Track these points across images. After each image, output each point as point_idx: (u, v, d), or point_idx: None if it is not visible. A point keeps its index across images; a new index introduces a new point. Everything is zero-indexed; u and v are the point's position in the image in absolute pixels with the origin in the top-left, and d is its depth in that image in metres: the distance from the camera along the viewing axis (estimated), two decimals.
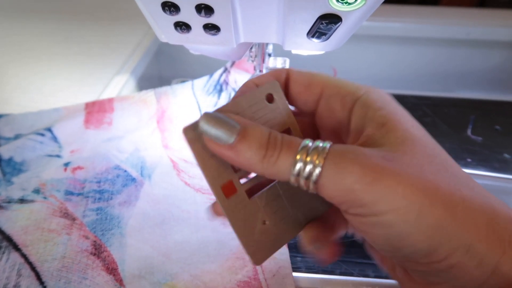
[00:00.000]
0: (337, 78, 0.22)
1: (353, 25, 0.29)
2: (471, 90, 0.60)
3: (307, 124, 0.24)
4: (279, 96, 0.21)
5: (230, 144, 0.18)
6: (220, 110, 0.19)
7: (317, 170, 0.17)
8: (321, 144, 0.17)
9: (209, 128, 0.18)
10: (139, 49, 0.57)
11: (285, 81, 0.22)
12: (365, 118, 0.19)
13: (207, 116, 0.18)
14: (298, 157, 0.17)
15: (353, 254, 0.32)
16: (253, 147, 0.18)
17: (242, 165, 0.18)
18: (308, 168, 0.17)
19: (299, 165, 0.17)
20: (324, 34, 0.30)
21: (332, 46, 0.32)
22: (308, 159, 0.17)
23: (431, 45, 0.61)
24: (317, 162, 0.17)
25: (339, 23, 0.28)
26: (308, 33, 0.30)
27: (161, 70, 0.63)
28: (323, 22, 0.28)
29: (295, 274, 0.28)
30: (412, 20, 0.59)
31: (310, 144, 0.17)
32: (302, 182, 0.17)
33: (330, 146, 0.17)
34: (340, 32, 0.30)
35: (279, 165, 0.18)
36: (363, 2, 0.26)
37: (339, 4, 0.26)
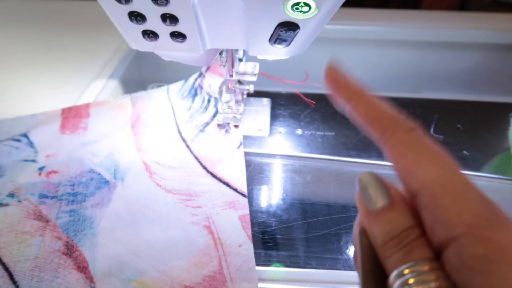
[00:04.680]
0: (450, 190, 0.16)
1: (312, 31, 0.30)
2: (438, 90, 0.62)
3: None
4: None
5: (369, 210, 0.18)
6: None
7: None
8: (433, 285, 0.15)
9: (365, 185, 0.18)
10: (118, 54, 0.58)
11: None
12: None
13: (371, 174, 0.18)
14: (406, 271, 0.16)
15: (315, 248, 0.33)
16: (384, 228, 0.17)
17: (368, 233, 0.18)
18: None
19: (401, 279, 0.16)
20: (285, 40, 0.31)
21: (295, 51, 0.33)
22: (412, 280, 0.15)
23: (399, 47, 0.63)
24: None
25: (298, 30, 0.30)
26: (269, 40, 0.31)
27: (140, 75, 0.64)
28: (282, 29, 0.30)
29: (258, 268, 0.30)
30: (380, 24, 0.61)
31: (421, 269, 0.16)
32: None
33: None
34: (301, 38, 0.31)
35: (389, 261, 0.17)
36: (317, 11, 0.28)
37: (294, 13, 0.28)
